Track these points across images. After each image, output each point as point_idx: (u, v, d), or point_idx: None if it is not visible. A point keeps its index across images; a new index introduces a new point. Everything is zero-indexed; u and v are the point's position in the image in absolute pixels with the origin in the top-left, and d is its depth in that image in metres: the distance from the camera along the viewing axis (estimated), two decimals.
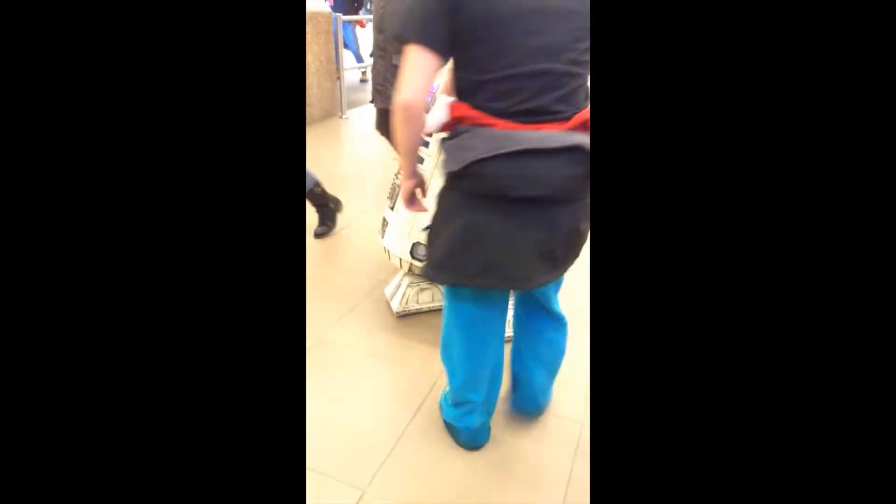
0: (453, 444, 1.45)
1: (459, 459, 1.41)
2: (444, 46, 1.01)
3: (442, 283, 1.26)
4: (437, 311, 2.02)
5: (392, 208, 1.85)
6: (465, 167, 1.05)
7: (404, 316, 1.98)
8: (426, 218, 1.74)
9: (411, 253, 1.80)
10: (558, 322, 1.41)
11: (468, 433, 1.41)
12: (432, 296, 2.00)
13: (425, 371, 1.72)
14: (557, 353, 1.44)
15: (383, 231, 1.90)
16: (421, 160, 1.72)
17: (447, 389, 1.48)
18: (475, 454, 1.43)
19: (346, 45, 5.56)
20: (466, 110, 1.07)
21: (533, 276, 1.16)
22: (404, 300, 1.96)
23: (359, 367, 1.74)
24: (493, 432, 1.49)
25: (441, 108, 1.09)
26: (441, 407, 1.52)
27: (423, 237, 1.77)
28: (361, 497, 1.28)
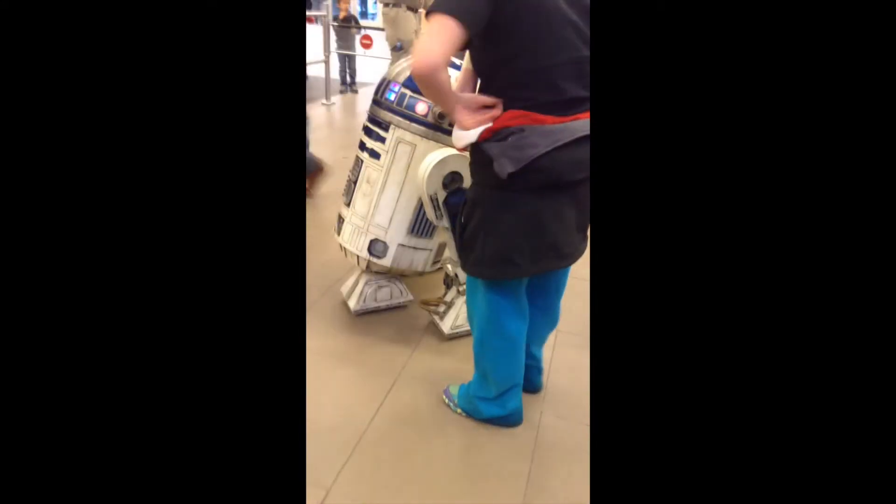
0: (416, 438, 1.45)
1: (422, 453, 1.41)
2: (471, 22, 1.03)
3: (503, 278, 1.31)
4: (396, 308, 2.01)
5: (348, 205, 1.82)
6: (529, 163, 1.12)
7: (362, 314, 1.96)
8: (382, 215, 1.73)
9: (369, 250, 1.78)
10: (555, 309, 1.53)
11: (516, 413, 1.49)
12: (391, 293, 1.99)
13: (385, 368, 1.71)
14: (547, 334, 1.60)
15: (339, 229, 1.87)
16: (377, 155, 1.71)
17: (471, 394, 1.50)
18: (437, 449, 1.43)
19: None
20: (515, 113, 1.13)
21: (576, 250, 1.32)
22: (362, 298, 1.94)
23: (317, 368, 1.70)
24: (451, 428, 1.50)
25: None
26: (470, 412, 1.51)
27: (380, 234, 1.75)
28: (326, 496, 1.26)
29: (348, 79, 5.91)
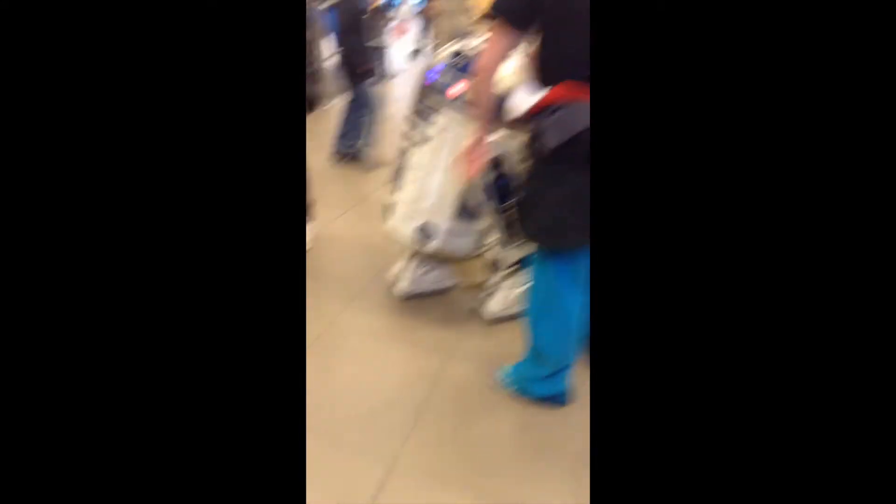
0: (472, 415, 1.51)
1: (479, 430, 1.46)
2: (519, 22, 1.22)
3: (559, 248, 1.38)
4: (441, 292, 2.06)
5: (397, 191, 1.87)
6: (574, 136, 1.18)
7: (410, 298, 2.02)
8: (429, 200, 1.78)
9: (417, 233, 1.83)
10: None
11: (565, 393, 1.54)
12: (436, 277, 2.04)
13: (437, 348, 1.77)
14: None
15: (388, 214, 1.92)
16: (425, 141, 1.75)
17: (522, 373, 1.57)
18: (493, 427, 1.48)
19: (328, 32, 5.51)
20: (565, 87, 1.20)
21: None
22: (409, 282, 2.00)
23: (371, 350, 1.77)
24: (504, 406, 1.55)
25: (537, 92, 1.26)
26: (524, 390, 1.57)
27: (429, 217, 1.80)
28: (391, 470, 1.32)
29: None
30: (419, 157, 1.77)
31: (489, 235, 1.92)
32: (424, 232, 1.82)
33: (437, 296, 2.05)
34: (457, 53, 1.72)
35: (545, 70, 1.25)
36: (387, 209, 1.93)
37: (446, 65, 1.71)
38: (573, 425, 1.48)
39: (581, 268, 1.39)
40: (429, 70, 1.74)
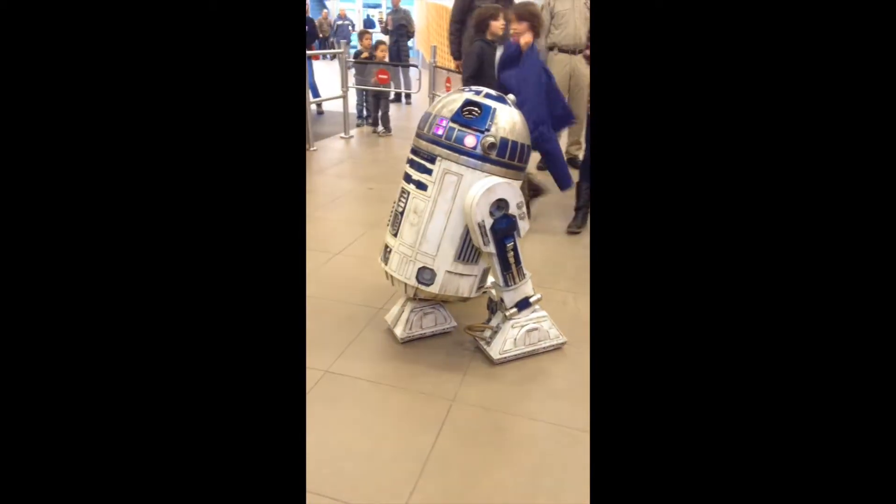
0: (480, 464, 1.46)
1: (488, 478, 1.42)
2: None
3: None
4: (441, 334, 2.04)
5: (395, 235, 1.87)
6: None
7: (409, 341, 1.99)
8: (430, 244, 1.78)
9: (417, 277, 1.82)
10: None
11: None
12: (435, 319, 2.01)
13: (439, 393, 1.73)
14: None
15: (386, 258, 1.91)
16: (424, 187, 1.76)
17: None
18: (503, 473, 1.44)
19: None
20: None
21: None
22: (408, 325, 1.97)
23: (372, 396, 1.72)
24: (514, 451, 1.51)
25: None
26: None
27: (428, 261, 1.80)
28: None
29: (364, 112, 6.07)
30: (418, 203, 1.78)
31: (489, 277, 1.92)
32: (423, 275, 1.81)
33: (437, 338, 2.02)
34: (470, 103, 1.74)
35: None
36: (385, 251, 1.92)
37: (458, 114, 1.73)
38: (587, 466, 1.44)
39: None
40: (437, 119, 1.75)
